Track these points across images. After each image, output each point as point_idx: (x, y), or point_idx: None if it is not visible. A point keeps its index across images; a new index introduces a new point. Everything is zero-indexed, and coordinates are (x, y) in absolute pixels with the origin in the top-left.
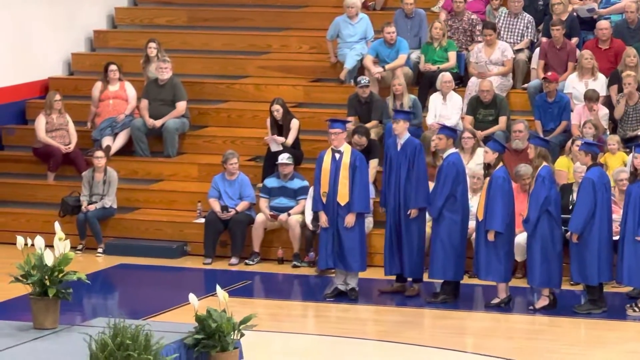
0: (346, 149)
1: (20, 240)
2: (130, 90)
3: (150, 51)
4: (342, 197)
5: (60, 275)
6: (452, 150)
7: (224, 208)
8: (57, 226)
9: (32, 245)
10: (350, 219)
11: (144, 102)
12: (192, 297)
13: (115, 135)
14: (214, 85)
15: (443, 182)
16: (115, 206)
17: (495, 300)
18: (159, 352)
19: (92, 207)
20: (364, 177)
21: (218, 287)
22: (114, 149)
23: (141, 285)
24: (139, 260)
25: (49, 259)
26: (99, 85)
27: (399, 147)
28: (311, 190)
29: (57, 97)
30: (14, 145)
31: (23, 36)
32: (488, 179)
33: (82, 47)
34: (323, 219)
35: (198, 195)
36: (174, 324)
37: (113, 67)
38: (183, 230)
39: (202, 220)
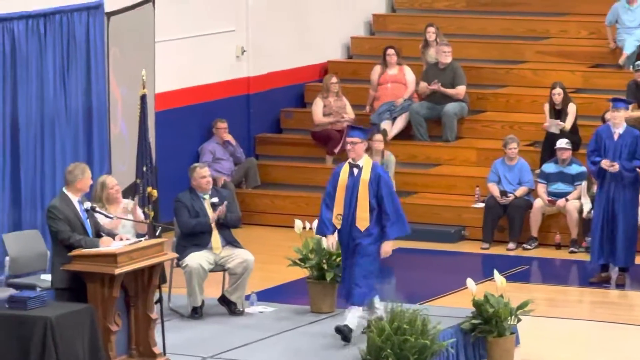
0: (366, 162)
1: (298, 223)
2: (409, 74)
3: (429, 35)
4: (362, 222)
5: (338, 259)
6: None
7: (503, 193)
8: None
9: (310, 228)
10: (388, 248)
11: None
12: (469, 281)
13: (394, 119)
14: (492, 70)
15: None
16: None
17: None
18: (436, 337)
19: None
20: (393, 193)
21: (496, 272)
22: (392, 133)
23: (418, 270)
24: (417, 245)
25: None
26: (377, 69)
27: (615, 137)
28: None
29: (334, 79)
30: (293, 128)
31: (304, 19)
32: None
33: (362, 30)
34: (330, 241)
35: (476, 180)
36: (451, 308)
37: (391, 51)
38: (461, 215)
39: (481, 204)
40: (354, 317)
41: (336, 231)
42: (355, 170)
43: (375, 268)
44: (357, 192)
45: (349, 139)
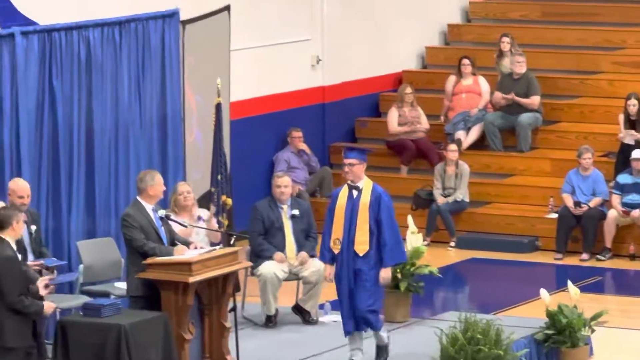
0: (366, 184)
1: None
2: (484, 85)
3: (503, 46)
4: (361, 246)
5: (412, 268)
6: None
7: (577, 203)
8: (409, 219)
9: None
10: (386, 275)
11: (498, 94)
12: (543, 292)
13: (468, 129)
14: (566, 80)
15: None
16: (467, 200)
17: None
18: (510, 347)
19: (442, 200)
20: (393, 218)
21: (569, 283)
22: (467, 143)
23: (492, 280)
24: (490, 255)
25: None
26: (452, 79)
27: None
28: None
29: (408, 90)
30: (367, 137)
31: (379, 29)
32: None
33: (436, 40)
34: (327, 271)
35: (550, 191)
36: (524, 318)
37: (466, 61)
38: (534, 225)
39: (554, 215)
40: (384, 333)
41: (333, 259)
42: (355, 193)
43: (380, 292)
44: (357, 216)
45: (346, 160)
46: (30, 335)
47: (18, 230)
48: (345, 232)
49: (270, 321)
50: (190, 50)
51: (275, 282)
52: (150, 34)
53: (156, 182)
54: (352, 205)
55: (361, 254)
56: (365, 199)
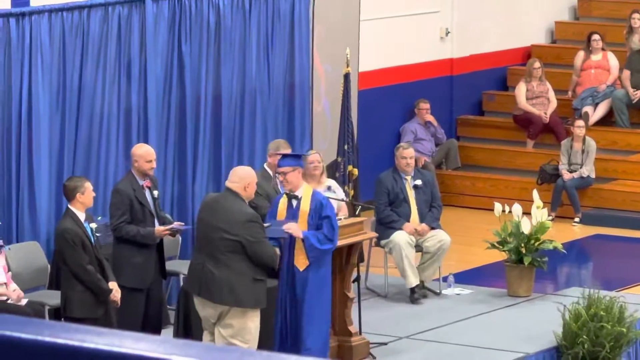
0: (306, 191)
1: (498, 206)
2: (613, 61)
3: (633, 22)
4: (301, 259)
5: (537, 243)
6: None
7: None
8: (535, 194)
9: (510, 212)
10: (294, 227)
11: (626, 73)
12: None
13: (595, 105)
14: None
15: None
16: (593, 176)
17: None
18: (633, 325)
19: (568, 176)
20: (334, 218)
21: None
22: (594, 119)
23: (616, 257)
24: (615, 231)
25: (526, 227)
26: (581, 54)
27: None
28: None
29: (537, 64)
30: (494, 111)
31: (509, 2)
32: None
33: (566, 15)
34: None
35: None
36: None
37: (596, 36)
38: None
39: None
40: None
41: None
42: (294, 202)
43: (326, 308)
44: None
45: (278, 170)
46: (97, 306)
47: (85, 201)
48: (285, 245)
49: (414, 293)
50: (320, 20)
51: (411, 251)
52: (281, 3)
53: (269, 153)
54: (292, 216)
55: (302, 269)
56: (305, 208)
